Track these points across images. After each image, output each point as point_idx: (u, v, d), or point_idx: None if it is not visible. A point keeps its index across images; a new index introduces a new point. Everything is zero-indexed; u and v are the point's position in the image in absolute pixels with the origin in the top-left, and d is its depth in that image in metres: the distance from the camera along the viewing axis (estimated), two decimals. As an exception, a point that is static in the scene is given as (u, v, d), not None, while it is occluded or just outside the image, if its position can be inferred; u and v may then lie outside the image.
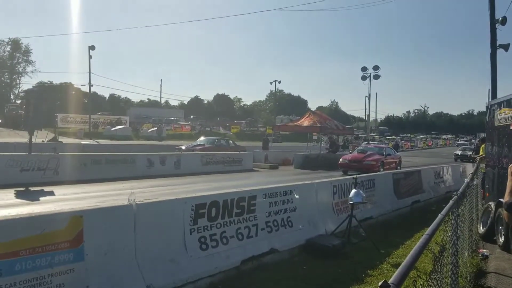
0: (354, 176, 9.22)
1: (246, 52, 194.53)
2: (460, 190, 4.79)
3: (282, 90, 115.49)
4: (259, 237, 6.73)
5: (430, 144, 76.96)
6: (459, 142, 76.72)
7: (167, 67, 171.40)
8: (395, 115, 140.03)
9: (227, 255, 6.01)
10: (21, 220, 4.13)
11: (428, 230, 2.73)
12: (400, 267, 1.96)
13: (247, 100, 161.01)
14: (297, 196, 7.76)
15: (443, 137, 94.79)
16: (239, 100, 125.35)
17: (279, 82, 77.15)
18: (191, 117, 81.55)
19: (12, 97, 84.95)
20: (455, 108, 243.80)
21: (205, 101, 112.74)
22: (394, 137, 78.72)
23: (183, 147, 25.95)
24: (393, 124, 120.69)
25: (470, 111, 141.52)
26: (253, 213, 6.73)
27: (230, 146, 27.83)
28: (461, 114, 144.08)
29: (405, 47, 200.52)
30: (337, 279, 6.23)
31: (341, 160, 22.39)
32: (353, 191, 8.19)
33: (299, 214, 7.73)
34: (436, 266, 2.59)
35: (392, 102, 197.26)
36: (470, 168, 17.28)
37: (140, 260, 4.95)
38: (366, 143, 35.28)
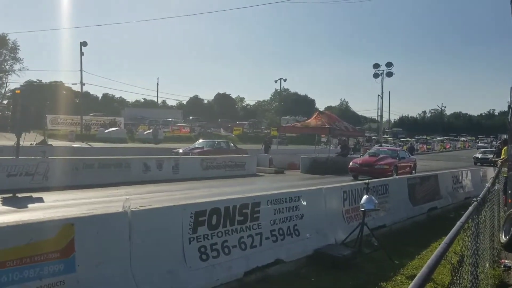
0: (366, 181, 9.21)
1: (249, 48, 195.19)
2: (480, 195, 4.77)
3: (288, 89, 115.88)
4: (264, 247, 6.72)
5: (448, 146, 76.87)
6: (479, 144, 76.56)
7: (164, 65, 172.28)
8: (409, 116, 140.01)
9: (229, 266, 6.01)
10: (8, 229, 4.15)
11: (446, 238, 2.72)
12: (415, 279, 1.96)
13: (250, 100, 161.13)
14: (304, 203, 7.76)
15: (462, 139, 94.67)
16: (242, 99, 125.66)
17: (285, 80, 77.08)
18: (190, 118, 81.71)
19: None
20: (475, 108, 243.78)
21: (205, 101, 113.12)
22: (409, 139, 78.56)
23: (180, 150, 26.01)
24: (408, 125, 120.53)
25: (491, 111, 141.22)
26: (257, 221, 6.73)
27: (230, 149, 27.87)
28: (481, 114, 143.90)
29: (420, 43, 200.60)
30: (348, 292, 6.22)
31: (351, 164, 22.37)
32: (365, 197, 8.17)
33: (306, 222, 7.73)
34: (455, 278, 2.58)
35: (407, 102, 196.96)
36: (491, 172, 17.23)
37: (135, 271, 4.96)
38: (379, 146, 35.29)
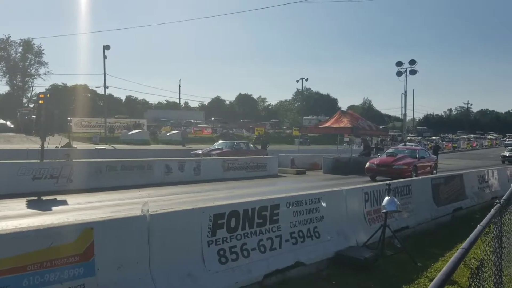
0: (387, 182, 9.10)
1: (271, 48, 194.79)
2: (504, 197, 4.65)
3: (309, 89, 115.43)
4: (283, 249, 6.70)
5: (475, 144, 75.48)
6: (506, 142, 75.01)
7: (186, 67, 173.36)
8: (435, 114, 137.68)
9: (249, 269, 6.01)
10: (29, 233, 4.22)
11: (465, 243, 2.67)
12: (430, 285, 1.92)
13: (272, 100, 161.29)
14: (324, 205, 7.71)
15: (489, 137, 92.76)
16: (263, 100, 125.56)
17: (306, 79, 76.98)
18: (212, 119, 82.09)
19: (24, 100, 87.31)
20: (502, 104, 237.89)
21: (227, 102, 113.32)
22: (434, 137, 77.40)
23: (200, 152, 26.11)
24: (433, 124, 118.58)
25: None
26: (276, 223, 6.71)
27: (250, 150, 27.87)
28: (508, 111, 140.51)
29: (445, 39, 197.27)
30: (369, 295, 6.16)
31: (368, 164, 21.76)
32: (386, 198, 8.08)
33: (327, 224, 7.68)
34: (473, 284, 2.52)
35: (432, 99, 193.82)
36: (519, 171, 16.88)
37: (155, 274, 5.01)
38: (403, 145, 34.82)
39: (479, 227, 3.12)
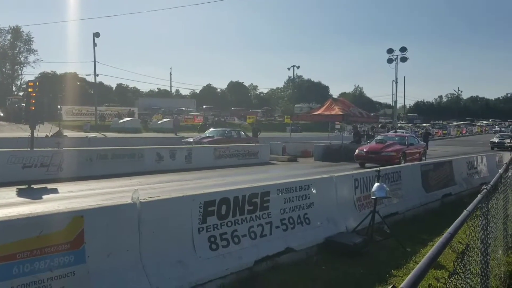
0: (377, 168, 9.15)
1: (262, 36, 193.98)
2: (491, 182, 4.70)
3: (301, 76, 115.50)
4: (274, 236, 6.74)
5: (464, 131, 75.98)
6: (496, 128, 75.63)
7: (177, 54, 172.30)
8: (425, 101, 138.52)
9: (239, 255, 6.04)
10: (18, 222, 4.20)
11: (450, 228, 2.69)
12: (414, 270, 1.94)
13: (264, 88, 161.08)
14: (314, 191, 7.74)
15: (479, 123, 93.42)
16: (255, 87, 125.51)
17: (298, 67, 76.77)
18: (204, 107, 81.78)
19: (14, 89, 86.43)
20: (492, 91, 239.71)
21: (218, 90, 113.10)
22: (424, 124, 77.79)
23: (191, 140, 26.01)
24: (424, 111, 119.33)
25: (509, 95, 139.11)
26: (266, 210, 6.74)
27: (241, 138, 27.81)
28: (498, 98, 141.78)
29: (435, 26, 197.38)
30: (359, 280, 6.22)
31: (357, 151, 21.82)
32: (376, 184, 8.12)
33: (317, 211, 7.72)
34: (457, 268, 2.55)
35: (423, 87, 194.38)
36: (507, 157, 16.99)
37: (145, 262, 5.02)
38: (393, 132, 34.96)
39: (465, 212, 3.15)
